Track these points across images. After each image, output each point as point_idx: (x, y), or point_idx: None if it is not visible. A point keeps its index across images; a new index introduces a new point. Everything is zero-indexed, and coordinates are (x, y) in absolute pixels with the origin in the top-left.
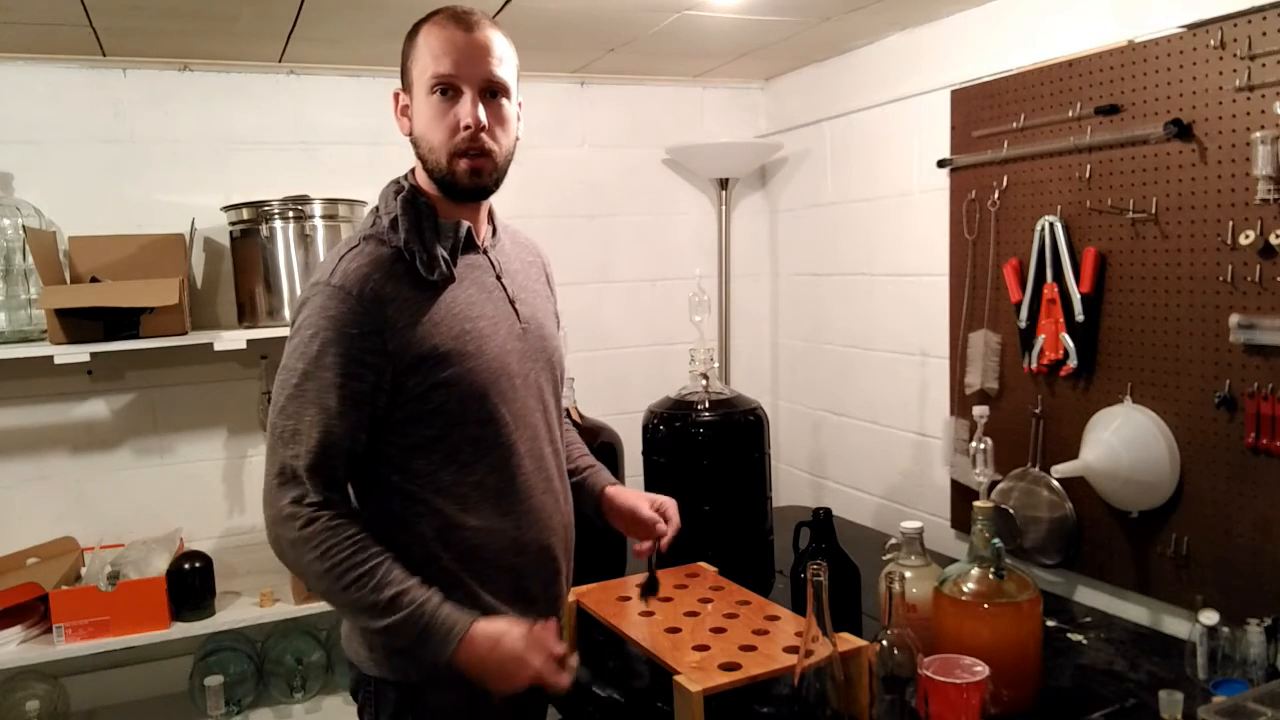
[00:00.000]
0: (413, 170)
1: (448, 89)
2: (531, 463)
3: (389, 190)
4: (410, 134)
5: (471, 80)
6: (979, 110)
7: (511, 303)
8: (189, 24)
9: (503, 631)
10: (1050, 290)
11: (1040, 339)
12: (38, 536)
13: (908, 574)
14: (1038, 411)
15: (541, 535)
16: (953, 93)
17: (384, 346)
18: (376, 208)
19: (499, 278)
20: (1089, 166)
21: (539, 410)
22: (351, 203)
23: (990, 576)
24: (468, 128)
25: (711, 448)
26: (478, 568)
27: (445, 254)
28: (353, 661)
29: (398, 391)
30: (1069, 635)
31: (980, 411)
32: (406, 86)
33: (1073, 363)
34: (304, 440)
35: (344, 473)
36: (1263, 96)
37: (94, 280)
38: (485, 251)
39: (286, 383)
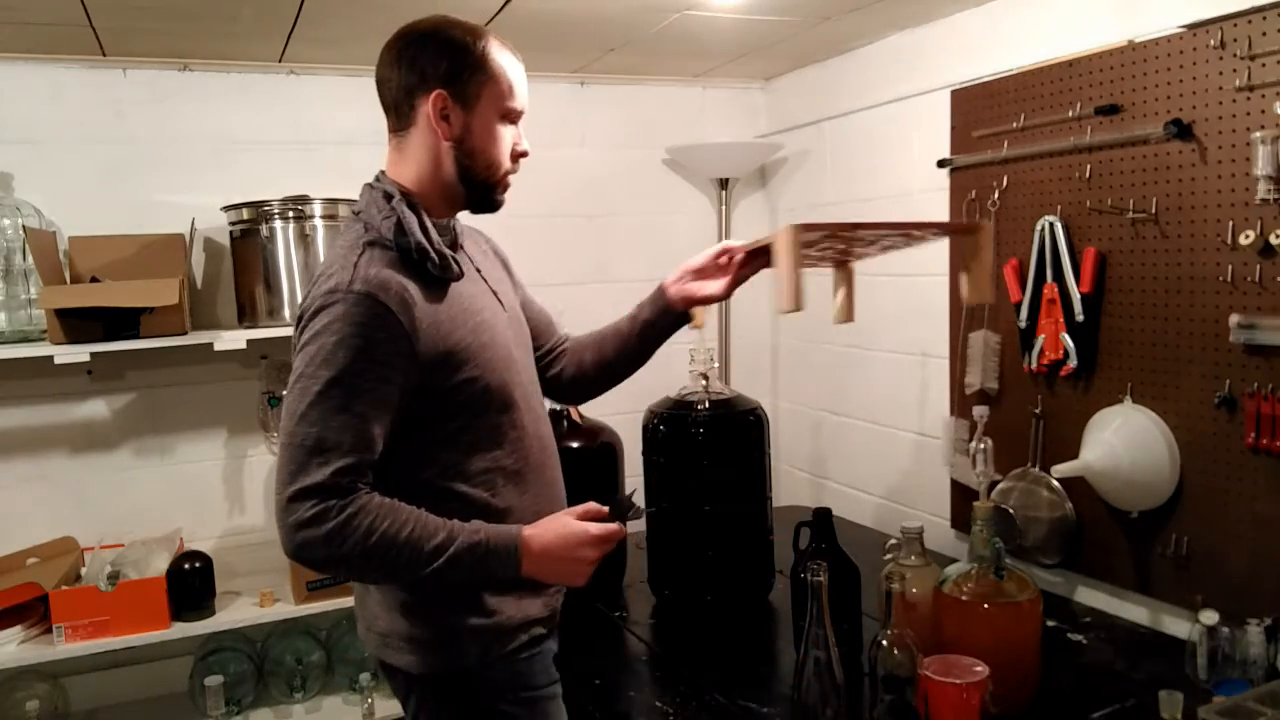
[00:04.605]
0: (382, 173)
1: (512, 117)
2: (536, 442)
3: (376, 195)
4: (450, 139)
5: (523, 114)
6: (979, 110)
7: (494, 293)
8: (189, 24)
9: (553, 538)
10: (1050, 290)
11: (1040, 339)
12: (38, 536)
13: (908, 574)
14: (1038, 411)
15: (553, 508)
16: (953, 93)
17: (412, 349)
18: (357, 212)
19: (478, 270)
20: (1089, 166)
21: (536, 393)
22: (351, 203)
23: (990, 576)
24: (524, 155)
25: (711, 448)
26: None
27: (450, 252)
28: (397, 667)
29: (424, 390)
30: (1069, 635)
31: (980, 411)
32: (461, 96)
33: (1073, 363)
34: (331, 447)
35: (370, 478)
36: (1263, 96)
37: (94, 280)
38: (462, 248)
39: (308, 389)
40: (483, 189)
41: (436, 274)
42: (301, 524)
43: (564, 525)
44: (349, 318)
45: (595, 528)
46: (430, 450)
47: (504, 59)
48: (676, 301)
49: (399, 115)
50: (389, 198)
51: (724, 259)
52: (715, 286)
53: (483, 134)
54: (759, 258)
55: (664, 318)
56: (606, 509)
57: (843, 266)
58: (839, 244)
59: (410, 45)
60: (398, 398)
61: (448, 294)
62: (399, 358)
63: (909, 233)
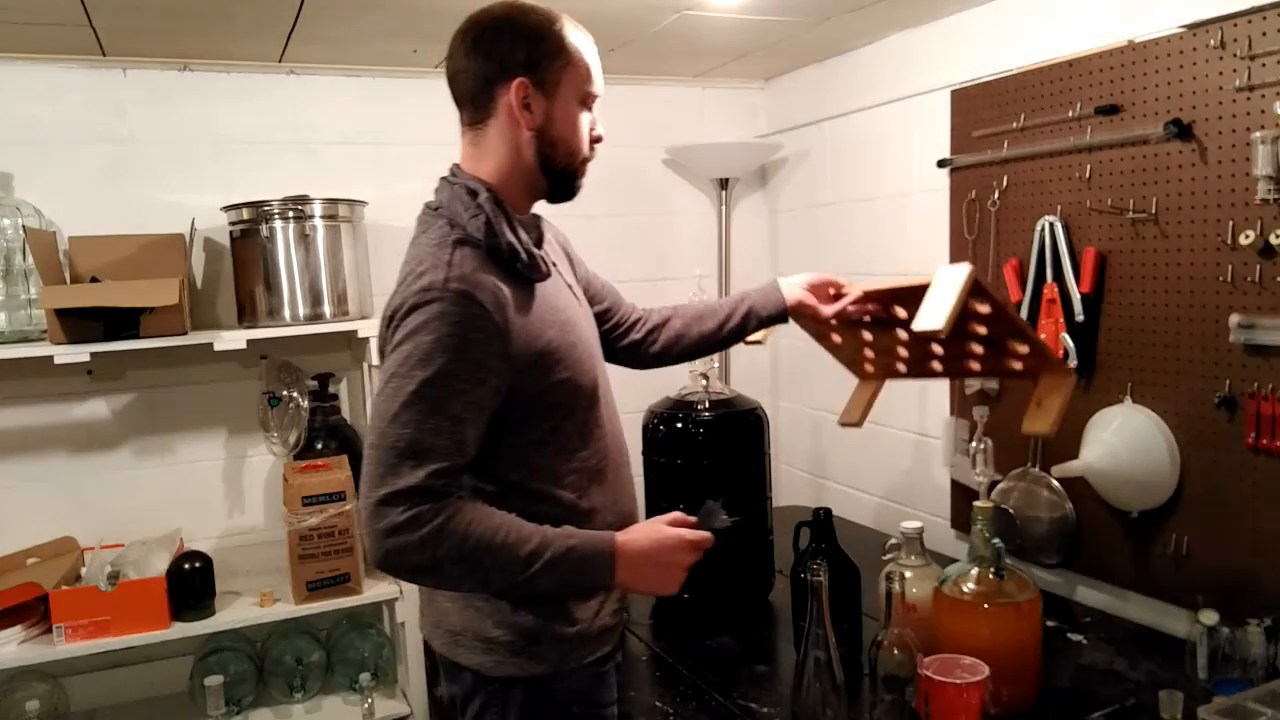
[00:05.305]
0: (458, 167)
1: (589, 102)
2: (614, 440)
3: (458, 191)
4: (532, 129)
5: (598, 98)
6: (979, 110)
7: (569, 287)
8: (189, 24)
9: (647, 544)
10: (1050, 290)
11: (1040, 339)
12: (38, 536)
13: (908, 574)
14: None
15: (631, 505)
16: (953, 93)
17: (506, 350)
18: (436, 208)
19: (553, 264)
20: (1089, 166)
21: (610, 389)
22: (351, 203)
23: (990, 576)
24: (600, 140)
25: (711, 448)
26: None
27: (538, 252)
28: (466, 666)
29: (515, 392)
30: (1069, 635)
31: (980, 411)
32: (541, 83)
33: (1073, 363)
34: (426, 450)
35: (463, 483)
36: (1263, 96)
37: (94, 280)
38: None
39: (401, 390)
40: (563, 178)
41: (525, 273)
42: (393, 529)
43: (657, 531)
44: (446, 317)
45: (690, 533)
46: (521, 452)
47: (580, 41)
48: (789, 299)
49: (476, 107)
50: (473, 194)
51: (832, 289)
52: (824, 306)
53: (564, 121)
54: (873, 303)
55: (768, 309)
56: (695, 518)
57: (881, 376)
58: (926, 349)
59: (485, 33)
60: (492, 400)
61: (535, 294)
62: (494, 359)
63: (1011, 349)
